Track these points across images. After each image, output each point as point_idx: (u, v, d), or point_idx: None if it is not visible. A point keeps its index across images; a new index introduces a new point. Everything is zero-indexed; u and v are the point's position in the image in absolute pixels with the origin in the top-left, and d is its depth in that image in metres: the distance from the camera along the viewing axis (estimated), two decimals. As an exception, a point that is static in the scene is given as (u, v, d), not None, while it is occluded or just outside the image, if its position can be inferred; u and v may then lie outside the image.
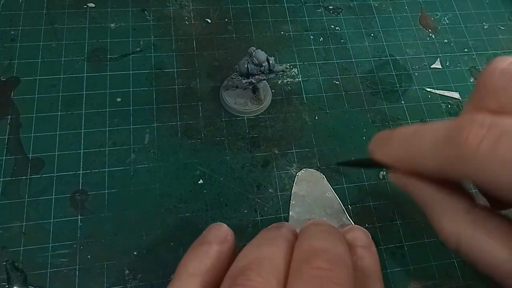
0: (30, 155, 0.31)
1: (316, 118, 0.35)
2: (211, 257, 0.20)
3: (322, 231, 0.20)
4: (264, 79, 0.32)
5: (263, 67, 0.31)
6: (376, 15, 0.42)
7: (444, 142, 0.17)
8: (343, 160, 0.32)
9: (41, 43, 0.35)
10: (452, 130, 0.17)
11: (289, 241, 0.20)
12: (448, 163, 0.17)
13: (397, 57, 0.40)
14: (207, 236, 0.22)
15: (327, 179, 0.32)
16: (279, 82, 0.37)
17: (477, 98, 0.19)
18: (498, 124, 0.15)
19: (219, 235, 0.22)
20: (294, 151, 0.34)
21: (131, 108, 0.33)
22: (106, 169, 0.31)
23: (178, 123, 0.33)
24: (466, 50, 0.41)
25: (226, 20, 0.39)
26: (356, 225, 0.24)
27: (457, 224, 0.18)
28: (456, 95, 0.39)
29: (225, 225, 0.23)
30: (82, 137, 0.32)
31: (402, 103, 0.37)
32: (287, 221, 0.30)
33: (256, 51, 0.30)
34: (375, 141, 0.23)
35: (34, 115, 0.32)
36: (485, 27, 0.43)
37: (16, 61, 0.34)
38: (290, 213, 0.31)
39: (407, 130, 0.20)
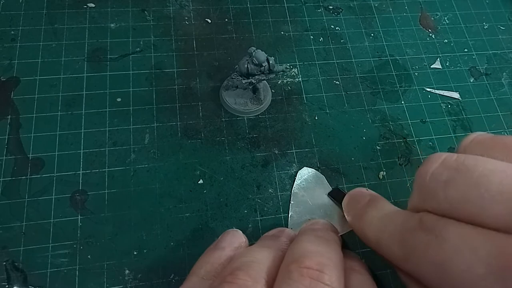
0: (30, 155, 0.31)
1: (316, 118, 0.35)
2: (223, 262, 0.20)
3: (317, 236, 0.20)
4: (264, 79, 0.32)
5: (263, 67, 0.31)
6: (376, 15, 0.42)
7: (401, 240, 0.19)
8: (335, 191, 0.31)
9: (41, 43, 0.35)
10: (406, 231, 0.18)
11: (283, 251, 0.20)
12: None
13: (397, 57, 0.40)
14: (221, 241, 0.22)
15: (327, 179, 0.32)
16: (279, 82, 0.37)
17: (416, 197, 0.19)
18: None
19: (233, 241, 0.22)
20: (294, 151, 0.34)
21: (131, 108, 0.33)
22: (106, 169, 0.31)
23: (178, 123, 0.33)
24: (466, 50, 0.41)
25: (226, 20, 0.39)
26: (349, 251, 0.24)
27: None
28: (456, 95, 0.39)
29: (240, 232, 0.23)
30: (82, 137, 0.32)
31: (402, 103, 0.37)
32: (287, 221, 0.31)
33: (256, 51, 0.30)
34: (349, 202, 0.25)
35: (34, 115, 0.32)
36: (485, 27, 0.43)
37: (16, 61, 0.34)
38: (290, 213, 0.31)
39: (376, 214, 0.21)
